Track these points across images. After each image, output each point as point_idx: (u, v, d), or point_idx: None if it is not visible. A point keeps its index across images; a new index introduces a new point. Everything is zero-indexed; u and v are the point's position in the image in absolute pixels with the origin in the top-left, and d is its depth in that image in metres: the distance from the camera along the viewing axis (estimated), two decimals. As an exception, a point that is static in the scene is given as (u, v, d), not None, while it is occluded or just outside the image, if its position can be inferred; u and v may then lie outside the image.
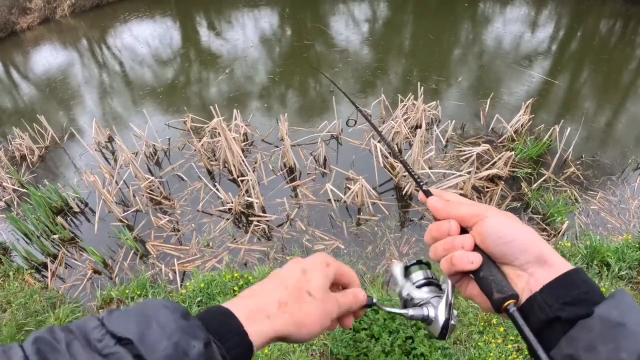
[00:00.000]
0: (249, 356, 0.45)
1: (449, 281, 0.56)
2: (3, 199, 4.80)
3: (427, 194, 0.59)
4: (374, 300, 0.58)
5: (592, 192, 3.97)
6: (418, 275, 0.59)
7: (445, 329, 0.54)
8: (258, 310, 0.48)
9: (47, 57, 9.06)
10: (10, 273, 3.76)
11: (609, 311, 0.43)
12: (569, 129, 4.21)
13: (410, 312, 0.56)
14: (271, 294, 0.51)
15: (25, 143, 5.47)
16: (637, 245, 3.26)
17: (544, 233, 3.59)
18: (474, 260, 0.51)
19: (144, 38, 8.81)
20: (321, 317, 0.51)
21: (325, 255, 0.57)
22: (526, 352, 2.60)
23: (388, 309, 0.60)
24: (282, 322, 0.49)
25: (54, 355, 0.34)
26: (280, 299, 0.50)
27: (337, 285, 0.59)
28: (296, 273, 0.53)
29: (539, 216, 3.72)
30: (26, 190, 4.59)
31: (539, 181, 3.98)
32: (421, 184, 0.61)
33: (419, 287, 0.59)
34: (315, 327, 0.51)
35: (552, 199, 3.79)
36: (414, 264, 0.61)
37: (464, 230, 0.54)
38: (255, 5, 9.36)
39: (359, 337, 2.65)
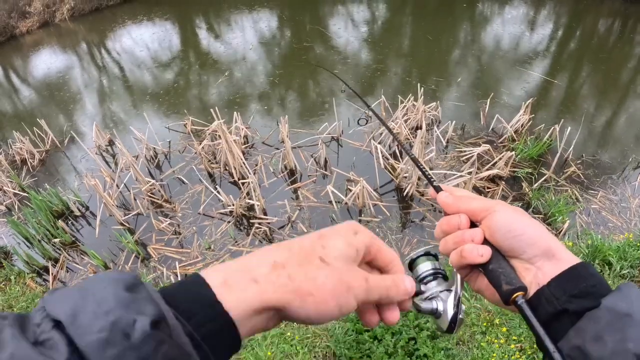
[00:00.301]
0: (230, 334, 0.35)
1: (458, 275, 0.56)
2: (4, 203, 4.80)
3: (437, 189, 0.59)
4: (422, 288, 0.53)
5: (592, 191, 3.97)
6: (426, 266, 0.59)
7: (454, 322, 0.55)
8: (240, 273, 0.37)
9: (47, 61, 9.07)
10: (12, 277, 3.76)
11: (615, 302, 0.44)
12: (569, 128, 4.21)
13: (421, 305, 0.56)
14: (266, 255, 0.39)
15: (26, 147, 5.47)
16: (638, 244, 3.26)
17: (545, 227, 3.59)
18: (484, 253, 0.51)
19: (143, 41, 8.82)
20: (336, 286, 0.38)
21: (356, 223, 0.45)
22: (529, 352, 2.60)
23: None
24: (274, 286, 0.36)
25: None
26: (275, 260, 0.38)
27: (372, 268, 0.47)
28: (310, 236, 0.42)
29: (540, 216, 3.72)
30: (27, 194, 4.59)
31: (540, 181, 3.98)
32: (431, 179, 0.62)
33: (427, 278, 0.59)
34: (329, 299, 0.38)
35: (553, 198, 3.79)
36: (421, 255, 0.61)
37: (473, 225, 0.55)
38: (254, 8, 9.38)
39: (361, 338, 2.65)
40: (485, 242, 0.53)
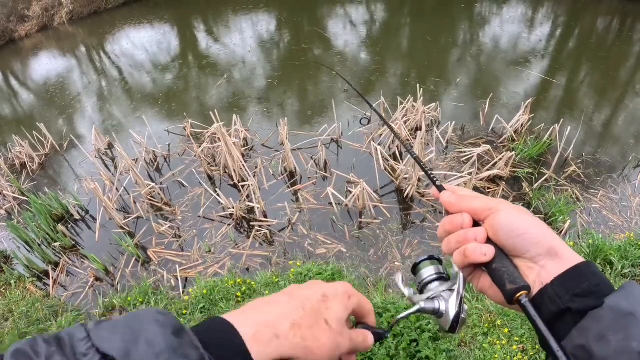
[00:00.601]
0: None
1: (461, 274, 0.56)
2: (4, 207, 4.79)
3: (440, 189, 0.59)
4: (387, 335, 0.57)
5: (593, 191, 3.97)
6: (429, 270, 0.60)
7: (456, 322, 0.55)
8: (267, 328, 0.44)
9: (46, 65, 9.08)
10: (12, 281, 3.75)
11: (619, 302, 0.44)
12: (569, 128, 4.21)
13: (422, 304, 0.57)
14: (285, 311, 0.47)
15: (25, 151, 5.47)
16: (639, 243, 3.25)
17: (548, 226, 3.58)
18: (487, 252, 0.52)
19: (142, 44, 8.82)
20: (332, 349, 0.48)
21: (349, 286, 0.54)
22: (531, 353, 2.59)
23: (401, 316, 0.59)
24: (291, 344, 0.44)
25: None
26: (294, 320, 0.46)
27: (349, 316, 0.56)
28: (317, 296, 0.50)
29: (541, 216, 3.71)
30: (26, 199, 4.59)
31: (540, 181, 3.97)
32: (434, 178, 0.62)
33: (431, 282, 0.59)
34: (324, 356, 0.47)
35: (554, 198, 3.78)
36: (424, 260, 0.62)
37: (476, 224, 0.55)
38: (252, 10, 9.39)
39: (363, 341, 2.63)
40: (489, 241, 0.53)
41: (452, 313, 0.55)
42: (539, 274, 0.50)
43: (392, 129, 0.74)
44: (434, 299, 0.57)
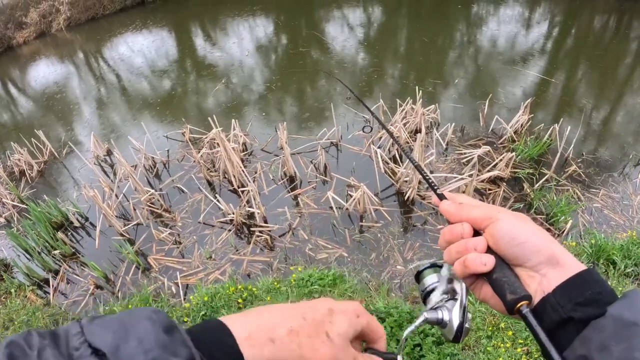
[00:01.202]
0: None
1: (463, 284, 0.56)
2: (3, 215, 4.78)
3: (441, 197, 0.59)
4: (399, 358, 0.55)
5: (594, 190, 3.96)
6: (432, 278, 0.60)
7: (460, 332, 0.54)
8: (262, 331, 0.43)
9: (44, 72, 9.08)
10: (12, 290, 3.73)
11: (621, 311, 0.43)
12: (568, 127, 4.20)
13: (426, 315, 0.57)
14: (284, 318, 0.46)
15: (24, 158, 5.46)
16: (642, 243, 3.24)
17: (548, 233, 3.57)
18: (487, 262, 0.51)
19: (140, 50, 8.82)
20: None
21: (360, 306, 0.52)
22: (536, 356, 2.58)
23: (407, 332, 0.59)
24: (286, 350, 0.43)
25: None
26: (292, 327, 0.45)
27: (360, 339, 0.54)
28: (322, 309, 0.48)
29: (543, 216, 3.70)
30: (26, 206, 4.57)
31: (541, 181, 3.96)
32: (435, 187, 0.61)
33: (434, 290, 0.59)
34: None
35: (555, 198, 3.77)
36: (427, 268, 0.62)
37: (477, 233, 0.54)
38: (249, 14, 9.40)
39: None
40: (489, 250, 0.52)
41: (455, 323, 0.54)
42: (540, 282, 0.49)
43: (393, 137, 0.73)
44: (437, 309, 0.57)
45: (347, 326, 0.48)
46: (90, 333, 0.34)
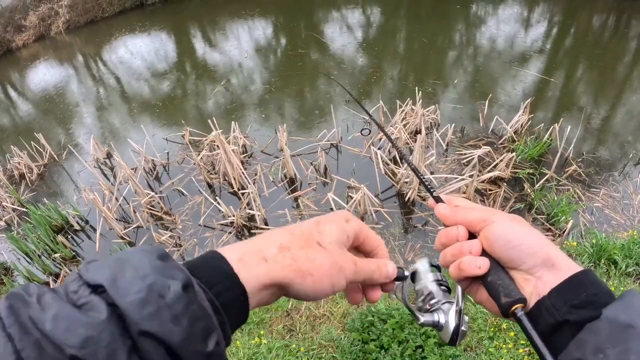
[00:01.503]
0: (243, 302, 0.40)
1: (459, 287, 0.56)
2: (3, 219, 4.78)
3: (437, 200, 0.59)
4: (406, 273, 0.55)
5: (594, 189, 3.95)
6: (428, 279, 0.59)
7: (456, 335, 0.54)
8: (253, 252, 0.42)
9: (44, 74, 9.08)
10: (13, 295, 3.73)
11: (617, 313, 0.42)
12: (568, 127, 4.20)
13: (422, 318, 0.56)
14: (272, 237, 0.45)
15: (24, 161, 5.46)
16: (643, 242, 3.24)
17: (549, 233, 3.57)
18: (482, 265, 0.51)
19: (139, 52, 8.83)
20: (331, 268, 0.44)
21: (348, 212, 0.51)
22: (537, 357, 2.57)
23: (409, 305, 0.58)
24: (281, 266, 0.42)
25: (24, 309, 0.32)
26: (282, 243, 0.44)
27: (360, 252, 0.53)
28: (308, 223, 0.48)
29: (543, 216, 3.69)
30: (26, 210, 4.57)
31: (542, 181, 3.96)
32: (431, 189, 0.61)
33: (430, 292, 0.59)
34: (324, 279, 0.44)
35: (556, 198, 3.77)
36: (423, 268, 0.61)
37: (472, 236, 0.54)
38: (248, 16, 9.40)
39: (368, 348, 2.61)
40: (484, 253, 0.52)
41: (451, 326, 0.54)
42: (535, 285, 0.49)
43: (390, 140, 0.72)
44: (434, 312, 0.56)
45: (337, 232, 0.47)
46: (87, 274, 0.34)
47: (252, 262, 0.41)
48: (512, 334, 2.71)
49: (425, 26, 7.91)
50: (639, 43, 6.53)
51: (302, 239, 0.45)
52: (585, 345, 0.42)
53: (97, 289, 0.33)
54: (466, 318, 0.55)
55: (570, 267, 0.48)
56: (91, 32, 10.83)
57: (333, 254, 0.45)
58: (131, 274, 0.34)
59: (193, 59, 8.15)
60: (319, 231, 0.46)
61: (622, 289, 2.95)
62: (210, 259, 0.41)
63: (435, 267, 0.60)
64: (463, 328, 0.54)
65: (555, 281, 0.47)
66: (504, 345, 2.65)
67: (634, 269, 3.10)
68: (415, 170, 0.67)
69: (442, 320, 0.55)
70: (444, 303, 0.56)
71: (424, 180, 0.64)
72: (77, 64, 9.38)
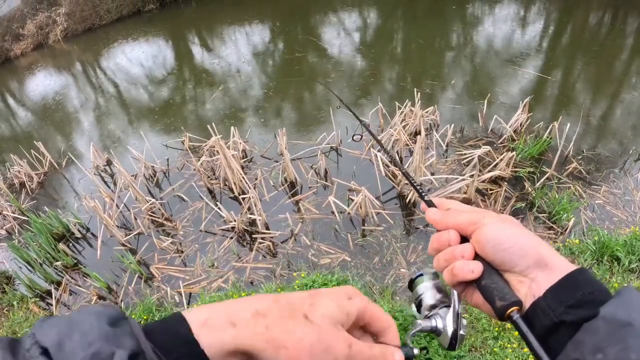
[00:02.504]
0: None
1: (455, 291, 0.55)
2: (4, 227, 4.77)
3: (429, 204, 0.58)
4: (415, 352, 0.49)
5: (595, 187, 3.95)
6: (425, 286, 0.60)
7: (454, 339, 0.54)
8: (222, 316, 0.39)
9: (42, 83, 9.10)
10: (15, 302, 3.73)
11: (614, 311, 0.41)
12: (568, 124, 4.20)
13: (420, 324, 0.56)
14: (250, 303, 0.41)
15: (24, 170, 5.46)
16: (645, 238, 3.23)
17: (551, 231, 3.56)
18: (475, 269, 0.50)
19: (137, 59, 8.85)
20: (313, 345, 0.38)
21: (354, 288, 0.45)
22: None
23: (412, 332, 0.58)
24: (251, 333, 0.38)
25: None
26: (258, 309, 0.39)
27: (365, 333, 0.46)
28: (301, 293, 0.43)
29: (545, 215, 3.69)
30: (27, 218, 4.57)
31: (542, 179, 3.96)
32: (423, 193, 0.61)
33: (427, 298, 0.59)
34: (302, 356, 0.37)
35: (557, 196, 3.76)
36: (420, 275, 0.61)
37: (464, 239, 0.53)
38: (245, 21, 9.42)
39: (372, 351, 2.60)
40: (477, 257, 0.51)
41: (449, 331, 0.54)
42: (530, 287, 0.48)
43: (381, 145, 0.73)
44: (431, 317, 0.56)
45: (334, 307, 0.41)
46: (39, 333, 0.34)
47: (217, 326, 0.38)
48: (516, 333, 2.70)
49: (422, 27, 7.93)
50: (636, 39, 6.54)
51: (286, 308, 0.40)
52: (583, 345, 0.41)
53: (46, 350, 0.33)
54: (464, 322, 0.55)
55: (564, 266, 0.47)
56: (89, 39, 10.86)
57: (321, 331, 0.39)
58: (78, 339, 0.33)
59: (191, 65, 8.17)
60: (311, 303, 0.41)
61: (625, 285, 2.94)
62: (170, 322, 0.38)
63: (433, 273, 0.60)
64: (461, 332, 0.54)
65: (550, 282, 0.47)
66: (509, 345, 2.64)
67: (637, 265, 3.09)
68: (406, 175, 0.67)
69: (440, 326, 0.55)
70: (441, 308, 0.56)
71: (414, 183, 0.64)
72: (75, 71, 9.40)
